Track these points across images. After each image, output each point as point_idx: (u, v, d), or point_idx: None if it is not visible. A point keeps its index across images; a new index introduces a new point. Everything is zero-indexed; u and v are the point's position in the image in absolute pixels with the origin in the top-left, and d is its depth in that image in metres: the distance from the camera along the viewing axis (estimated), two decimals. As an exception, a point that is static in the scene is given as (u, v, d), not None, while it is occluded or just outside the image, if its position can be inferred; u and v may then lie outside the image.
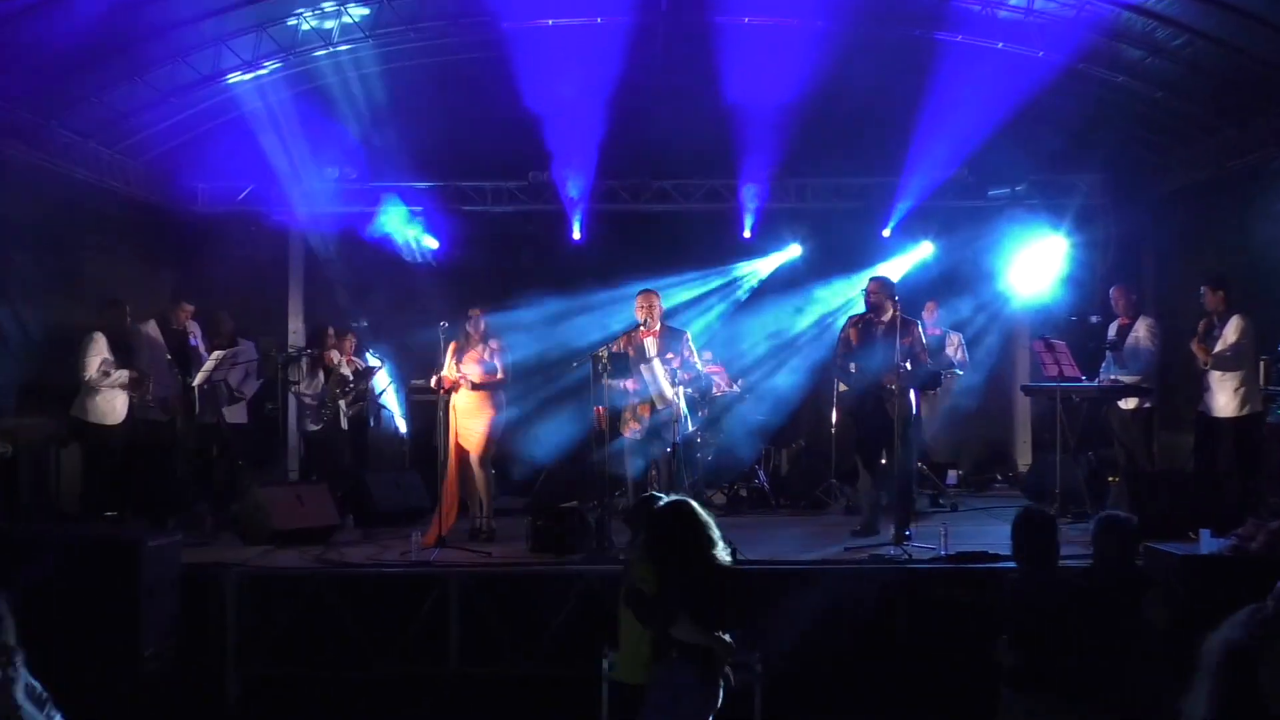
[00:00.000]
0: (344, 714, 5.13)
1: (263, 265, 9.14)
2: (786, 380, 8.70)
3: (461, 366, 6.28)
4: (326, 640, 5.20)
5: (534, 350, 7.55)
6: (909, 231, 9.13)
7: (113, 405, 6.58)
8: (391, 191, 8.92)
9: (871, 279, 6.45)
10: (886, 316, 6.10)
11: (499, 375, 6.34)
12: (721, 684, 3.48)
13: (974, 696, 3.93)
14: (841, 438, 7.80)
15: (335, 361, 7.75)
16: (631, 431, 6.39)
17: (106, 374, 6.51)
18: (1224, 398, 6.26)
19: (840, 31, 7.40)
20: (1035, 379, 7.96)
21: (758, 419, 8.19)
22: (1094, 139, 8.45)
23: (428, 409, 7.72)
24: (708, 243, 9.35)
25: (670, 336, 6.46)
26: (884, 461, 6.14)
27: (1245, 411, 6.23)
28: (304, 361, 7.71)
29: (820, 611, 4.90)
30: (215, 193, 9.06)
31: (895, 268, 8.79)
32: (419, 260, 9.19)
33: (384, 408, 8.55)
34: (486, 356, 6.31)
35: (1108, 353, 6.91)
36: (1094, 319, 7.39)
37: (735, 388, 8.28)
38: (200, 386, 6.95)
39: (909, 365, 5.92)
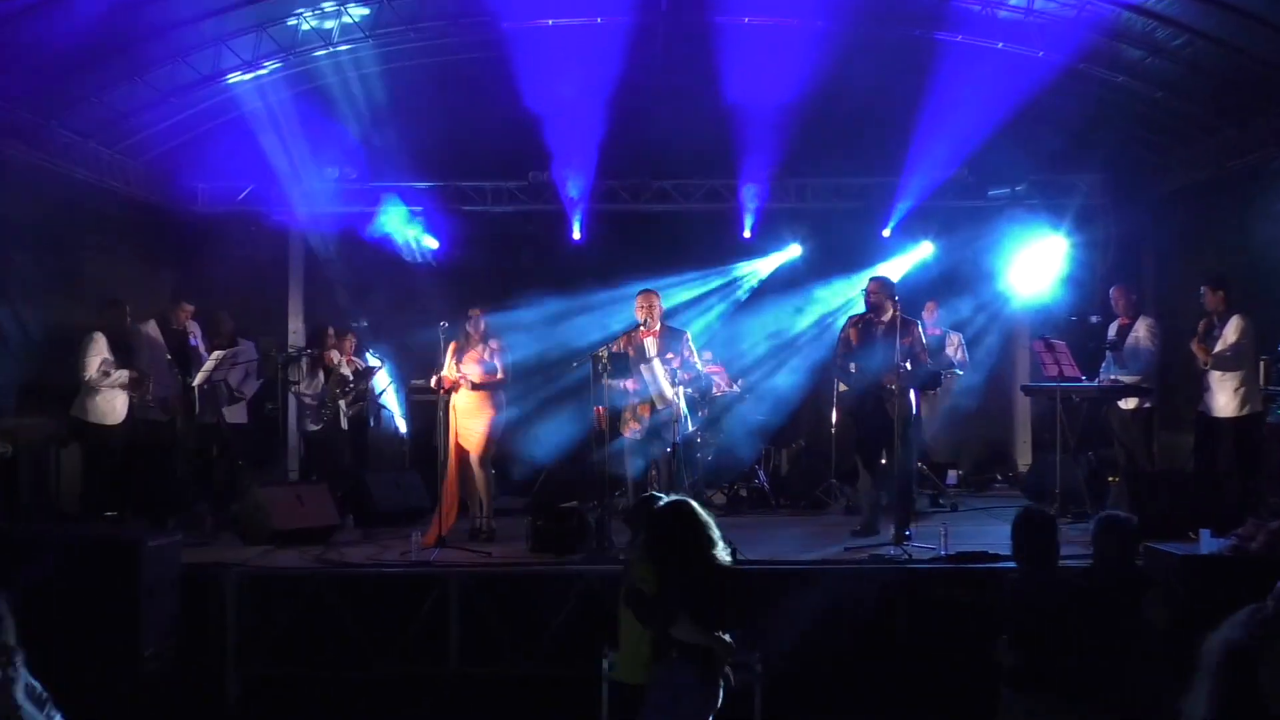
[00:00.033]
0: (344, 714, 5.13)
1: (263, 265, 9.13)
2: (786, 380, 8.69)
3: (461, 367, 6.27)
4: (326, 640, 5.19)
5: (534, 350, 7.54)
6: (909, 231, 9.12)
7: (112, 405, 6.58)
8: (391, 191, 8.92)
9: (871, 279, 6.45)
10: (886, 316, 6.10)
11: (499, 375, 6.33)
12: (721, 684, 3.48)
13: (974, 697, 3.93)
14: (841, 438, 7.80)
15: (335, 361, 7.74)
16: (631, 431, 6.39)
17: (106, 374, 6.51)
18: (1224, 398, 6.26)
19: (840, 31, 7.39)
20: (1035, 379, 7.95)
21: (758, 419, 8.19)
22: (1094, 139, 8.44)
23: (428, 409, 7.71)
24: (708, 243, 9.34)
25: (670, 336, 6.46)
26: (884, 461, 6.13)
27: (1245, 411, 6.22)
28: (304, 361, 7.71)
29: (820, 612, 4.89)
30: (215, 193, 9.05)
31: (895, 268, 8.78)
32: (419, 260, 9.18)
33: (384, 408, 8.54)
34: (486, 356, 6.31)
35: (1108, 353, 6.90)
36: (1094, 319, 7.38)
37: (735, 388, 8.27)
38: (201, 386, 6.94)
39: (909, 365, 5.92)
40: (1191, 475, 6.51)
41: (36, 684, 3.51)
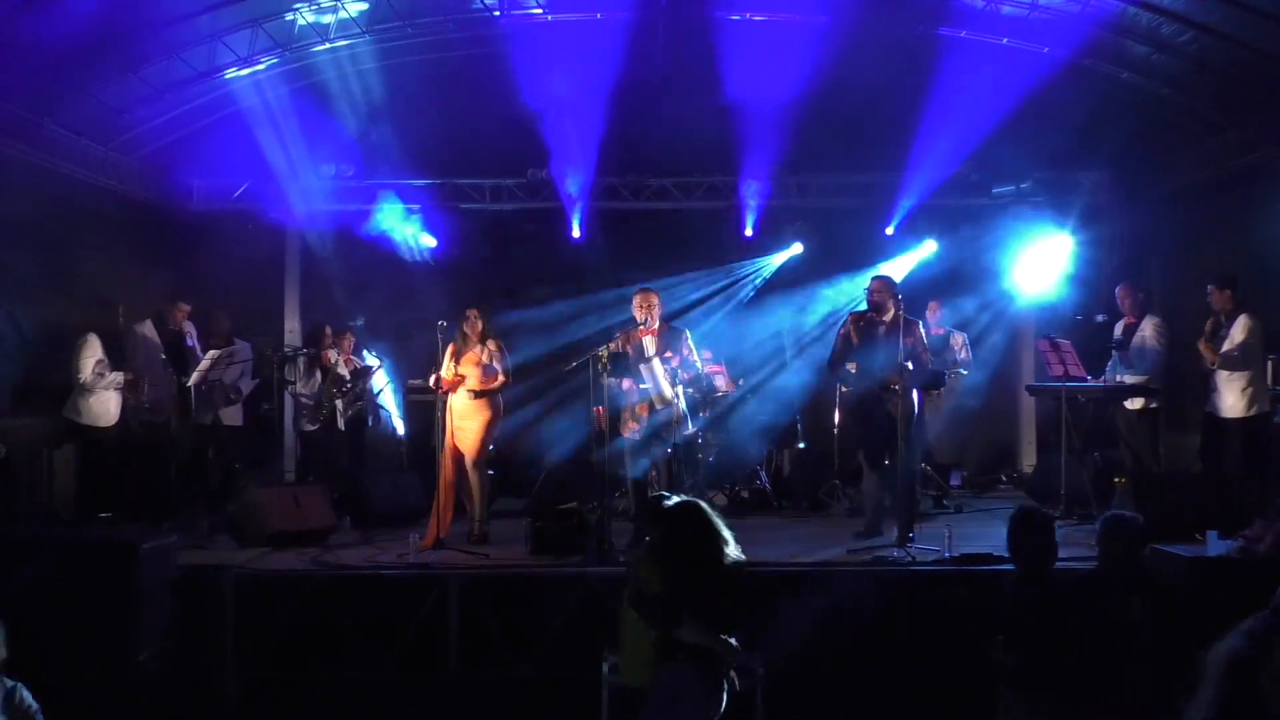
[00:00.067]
0: (342, 716, 5.08)
1: (259, 264, 9.06)
2: (788, 380, 8.64)
3: (459, 368, 6.20)
4: (324, 643, 5.15)
5: (533, 350, 7.49)
6: (912, 230, 9.06)
7: (106, 407, 6.53)
8: (389, 189, 8.84)
9: (874, 277, 6.40)
10: (889, 316, 6.05)
11: (499, 379, 6.26)
12: (725, 687, 3.45)
13: (976, 698, 3.91)
14: (844, 438, 7.75)
15: (332, 361, 7.69)
16: (631, 432, 6.32)
17: (101, 375, 6.46)
18: (1231, 398, 6.22)
19: (842, 27, 7.34)
20: (1040, 379, 7.90)
21: (760, 419, 8.13)
22: (1099, 136, 8.38)
23: (426, 409, 7.66)
24: (709, 241, 9.28)
25: (669, 335, 6.39)
26: (887, 462, 6.08)
27: (1253, 411, 6.18)
28: (301, 361, 7.66)
29: (823, 614, 4.86)
30: (211, 190, 8.99)
31: (898, 266, 8.73)
32: (417, 258, 9.11)
33: (382, 408, 8.48)
34: (485, 358, 6.24)
35: (1113, 352, 6.86)
36: (1099, 318, 7.33)
37: (736, 388, 8.22)
38: (198, 387, 6.89)
39: (910, 366, 5.87)
40: (1198, 476, 6.48)
41: (28, 697, 3.46)
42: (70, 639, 4.35)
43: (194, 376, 6.83)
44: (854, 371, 6.22)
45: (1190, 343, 6.45)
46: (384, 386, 8.40)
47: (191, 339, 7.28)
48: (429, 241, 9.13)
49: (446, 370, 6.18)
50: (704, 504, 3.60)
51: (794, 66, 7.31)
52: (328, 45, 7.66)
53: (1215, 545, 4.85)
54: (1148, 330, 6.76)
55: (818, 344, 8.75)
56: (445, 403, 6.16)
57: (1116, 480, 6.78)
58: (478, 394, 6.18)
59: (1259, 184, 7.23)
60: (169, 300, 7.41)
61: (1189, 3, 6.59)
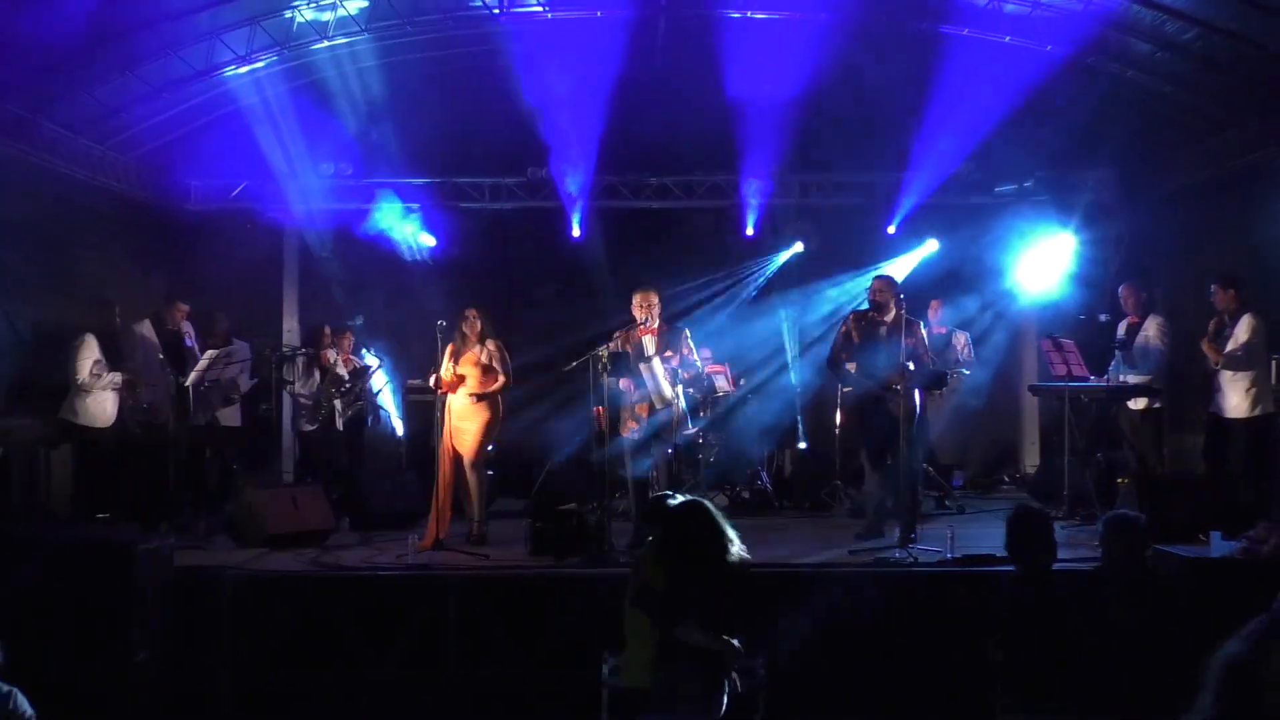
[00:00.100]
0: (341, 718, 5.05)
1: (257, 263, 9.02)
2: (789, 380, 8.60)
3: (458, 368, 6.17)
4: (322, 644, 5.11)
5: (532, 349, 7.44)
6: (914, 228, 9.02)
7: (103, 407, 6.50)
8: (388, 188, 8.81)
9: (877, 277, 6.38)
10: (890, 316, 6.02)
11: (500, 379, 6.23)
12: (726, 688, 3.43)
13: (976, 699, 3.88)
14: (845, 439, 7.71)
15: (331, 361, 7.65)
16: (631, 431, 6.29)
17: (98, 376, 6.42)
18: (1235, 398, 6.18)
19: (844, 25, 7.32)
20: (1043, 379, 7.86)
21: (761, 419, 8.09)
22: (1102, 134, 8.34)
23: (425, 409, 7.62)
24: (710, 240, 9.24)
25: (669, 334, 6.36)
26: (889, 462, 6.04)
27: (1257, 412, 6.15)
28: (299, 361, 7.62)
29: (824, 615, 4.82)
30: (209, 189, 8.95)
31: (900, 265, 8.69)
32: (416, 258, 9.08)
33: (381, 408, 8.44)
34: (485, 359, 6.20)
35: (1117, 352, 6.82)
36: (1103, 317, 7.30)
37: (737, 388, 8.18)
38: (196, 387, 6.87)
39: (912, 366, 5.84)
40: (1202, 477, 6.46)
41: (24, 703, 3.42)
42: (68, 640, 4.35)
43: (192, 376, 6.79)
44: (854, 371, 6.18)
45: (1194, 343, 6.41)
46: (383, 386, 8.36)
47: (190, 339, 7.25)
48: (428, 241, 9.09)
49: (445, 370, 6.14)
50: (709, 503, 3.59)
51: (795, 64, 7.29)
52: (327, 43, 7.63)
53: (1219, 546, 4.84)
54: (1151, 330, 6.72)
55: (819, 344, 8.71)
56: (444, 403, 6.12)
57: (1120, 481, 6.76)
58: (481, 398, 6.15)
59: (1264, 183, 7.19)
60: (167, 300, 7.38)
61: (1192, 0, 6.55)
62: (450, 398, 6.13)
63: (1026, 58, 7.36)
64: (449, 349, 6.21)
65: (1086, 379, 6.79)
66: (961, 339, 8.11)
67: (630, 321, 6.24)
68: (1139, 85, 7.73)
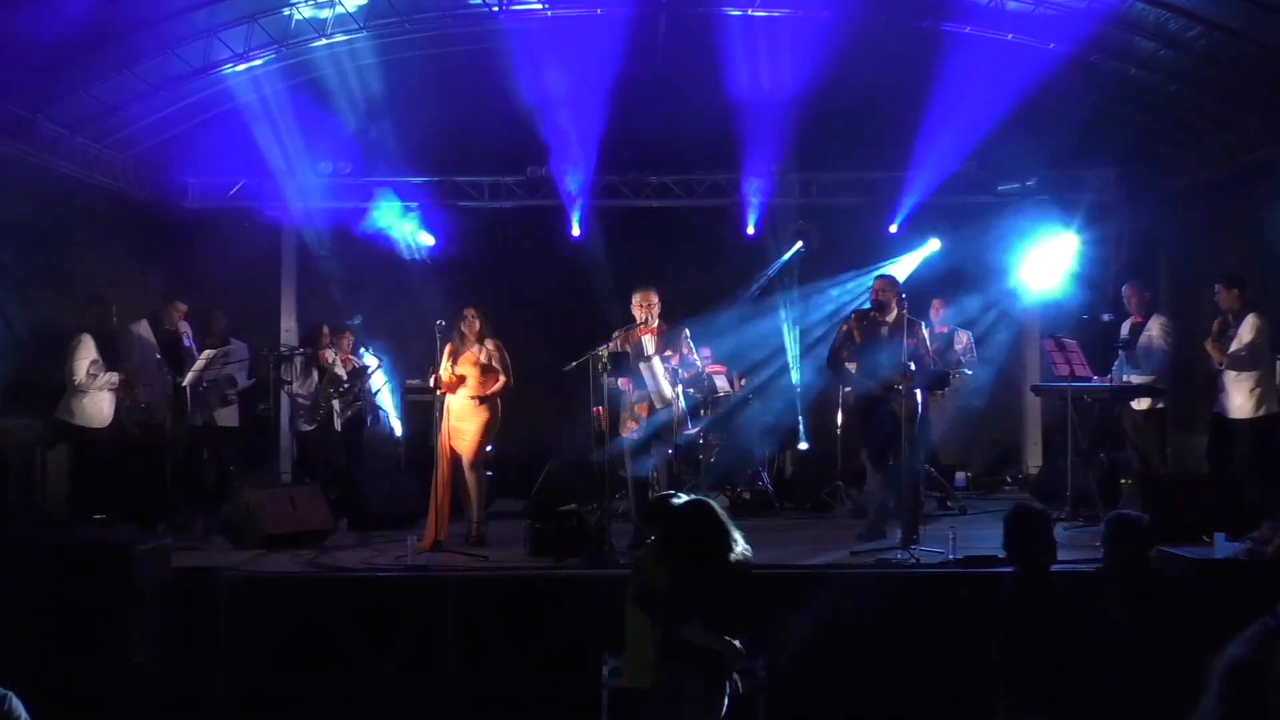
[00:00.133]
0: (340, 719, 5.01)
1: (255, 262, 8.98)
2: (790, 380, 8.55)
3: (457, 368, 6.13)
4: (320, 646, 5.09)
5: (532, 349, 7.40)
6: (917, 228, 8.99)
7: (99, 408, 6.47)
8: (387, 186, 8.77)
9: (879, 276, 6.36)
10: (892, 316, 5.99)
11: (501, 379, 6.19)
12: (728, 689, 3.41)
13: (977, 700, 3.85)
14: (847, 439, 7.68)
15: (329, 360, 7.61)
16: (631, 431, 6.25)
17: (95, 376, 6.39)
18: (1240, 398, 6.15)
19: (846, 22, 7.28)
20: (1046, 379, 7.83)
21: (762, 420, 8.06)
22: (1105, 133, 8.32)
23: (423, 409, 7.59)
24: (710, 239, 9.20)
25: (668, 334, 6.33)
26: (891, 463, 6.01)
27: (1261, 412, 6.12)
28: (297, 360, 7.58)
29: (826, 616, 4.79)
30: (206, 188, 8.93)
31: (902, 265, 8.66)
32: (415, 257, 9.04)
33: (380, 408, 8.41)
34: (484, 358, 6.17)
35: (1120, 352, 6.79)
36: (1106, 317, 7.28)
37: (738, 388, 8.14)
38: (194, 387, 6.83)
39: (913, 366, 5.81)
40: (1205, 477, 6.43)
41: (19, 707, 3.39)
42: (64, 642, 4.33)
43: (189, 376, 6.76)
44: (854, 371, 6.15)
45: (1198, 342, 6.38)
46: (381, 386, 8.33)
47: (188, 339, 7.22)
48: (427, 240, 9.05)
49: (444, 370, 6.10)
50: (714, 503, 3.58)
51: (796, 63, 7.26)
52: (325, 41, 7.60)
53: (1223, 547, 4.81)
54: (1155, 330, 6.69)
55: (820, 344, 8.67)
56: (442, 403, 6.08)
57: (1123, 481, 6.72)
58: (484, 400, 6.12)
59: (1268, 181, 7.17)
60: (165, 299, 7.35)
61: (1196, -3, 6.53)
62: (449, 398, 6.09)
63: (1029, 56, 7.32)
64: (448, 349, 6.17)
65: (1089, 379, 6.76)
66: (964, 337, 8.09)
67: (630, 321, 6.21)
68: (1142, 83, 7.70)
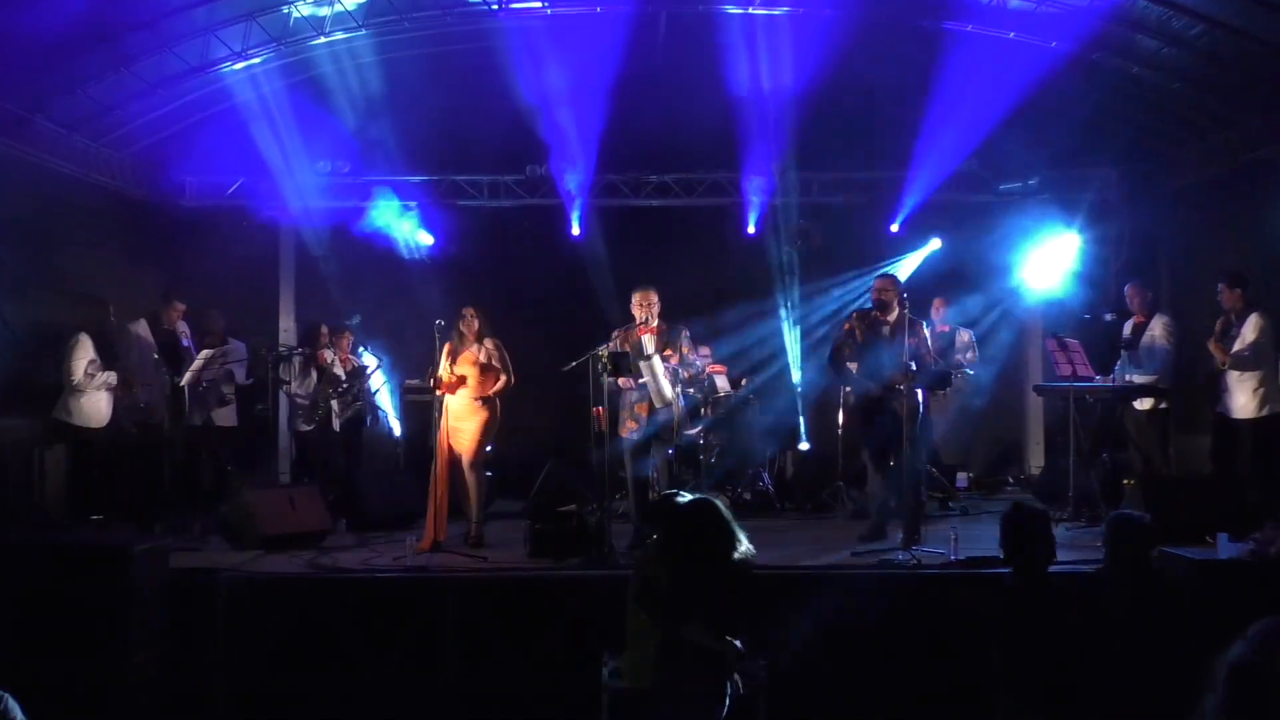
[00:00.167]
0: (339, 720, 4.99)
1: (253, 261, 8.97)
2: (791, 381, 8.53)
3: (456, 368, 6.10)
4: (318, 647, 5.06)
5: (532, 349, 7.38)
6: (918, 227, 8.97)
7: (97, 408, 6.45)
8: (385, 185, 8.75)
9: (880, 276, 6.35)
10: (893, 316, 5.97)
11: (502, 379, 6.16)
12: (728, 690, 3.40)
13: (981, 702, 3.83)
14: (848, 439, 7.66)
15: (328, 360, 7.59)
16: (631, 432, 6.23)
17: (92, 376, 6.37)
18: (1243, 398, 6.14)
19: (847, 21, 7.25)
20: (1048, 378, 7.81)
21: (762, 420, 8.04)
22: (1108, 131, 8.30)
23: (422, 409, 7.56)
24: (710, 239, 9.18)
25: (668, 333, 6.30)
26: (892, 463, 5.99)
27: (1265, 412, 6.10)
28: (296, 360, 7.55)
29: (827, 617, 4.77)
30: (204, 187, 8.90)
31: (904, 264, 8.64)
32: (414, 256, 9.01)
33: (379, 408, 8.38)
34: (483, 358, 6.14)
35: (1123, 352, 6.76)
36: (1108, 317, 7.25)
37: (739, 389, 8.11)
38: (192, 387, 6.81)
39: (914, 366, 5.78)
40: (1208, 478, 6.42)
41: (15, 709, 3.36)
42: (62, 643, 4.31)
43: (187, 376, 6.74)
44: (855, 371, 6.13)
45: (1200, 342, 6.36)
46: (380, 386, 8.30)
47: (186, 339, 7.19)
48: (426, 239, 9.03)
49: (444, 370, 6.08)
50: (718, 502, 3.56)
51: (797, 61, 7.24)
52: (324, 39, 7.57)
53: (1226, 548, 4.80)
54: (1157, 329, 6.67)
55: (822, 344, 8.65)
56: (441, 402, 6.06)
57: (1125, 482, 6.69)
58: (486, 401, 6.09)
59: (1270, 180, 7.14)
60: (164, 299, 7.32)
61: (1199, -5, 6.50)
62: (448, 397, 6.06)
63: (1031, 54, 7.30)
64: (447, 348, 6.14)
65: (1092, 379, 6.74)
66: (965, 336, 8.07)
67: (629, 320, 6.18)
68: (1144, 82, 7.67)
